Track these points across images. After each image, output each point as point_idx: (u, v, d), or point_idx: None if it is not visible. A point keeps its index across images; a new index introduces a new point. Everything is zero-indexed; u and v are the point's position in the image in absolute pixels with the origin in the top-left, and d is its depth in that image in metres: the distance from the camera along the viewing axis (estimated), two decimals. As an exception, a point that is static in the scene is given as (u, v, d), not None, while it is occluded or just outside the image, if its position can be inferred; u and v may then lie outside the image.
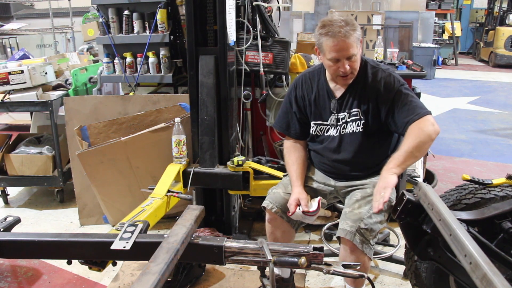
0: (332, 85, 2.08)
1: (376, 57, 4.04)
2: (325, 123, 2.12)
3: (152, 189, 2.33)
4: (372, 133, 2.03)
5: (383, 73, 2.00)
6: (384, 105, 1.98)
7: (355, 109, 2.03)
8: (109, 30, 3.29)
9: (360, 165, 2.08)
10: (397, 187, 2.08)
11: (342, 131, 2.07)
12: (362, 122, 2.02)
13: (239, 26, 2.97)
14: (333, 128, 2.09)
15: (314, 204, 1.99)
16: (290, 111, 2.21)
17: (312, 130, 2.15)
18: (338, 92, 2.07)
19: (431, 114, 1.93)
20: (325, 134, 2.12)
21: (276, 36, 3.13)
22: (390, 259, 2.57)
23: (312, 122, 2.15)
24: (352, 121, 2.04)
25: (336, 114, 2.07)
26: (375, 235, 1.89)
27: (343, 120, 2.06)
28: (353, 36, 1.87)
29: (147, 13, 3.22)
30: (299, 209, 1.97)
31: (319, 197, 2.03)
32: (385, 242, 2.76)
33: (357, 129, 2.04)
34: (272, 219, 2.13)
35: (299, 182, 2.08)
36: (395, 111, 1.96)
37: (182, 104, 3.03)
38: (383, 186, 1.82)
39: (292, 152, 2.20)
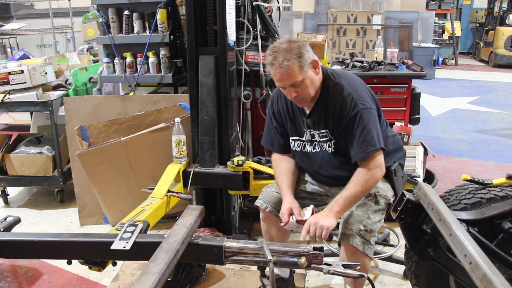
0: None
1: (376, 57, 4.04)
2: (301, 139, 2.09)
3: (152, 189, 2.33)
4: (347, 150, 1.97)
5: (343, 92, 1.91)
6: (337, 128, 1.94)
7: (323, 130, 1.99)
8: (109, 30, 3.29)
9: (345, 179, 2.01)
10: (394, 187, 2.07)
11: (318, 148, 2.04)
12: (332, 142, 1.99)
13: (239, 26, 2.97)
14: (309, 144, 2.07)
15: (307, 213, 1.98)
16: (272, 127, 2.18)
17: (292, 146, 2.13)
18: (307, 109, 2.03)
19: (380, 149, 1.89)
20: (303, 151, 2.09)
21: (276, 36, 3.13)
22: (390, 259, 2.57)
23: (290, 138, 2.13)
24: (324, 141, 2.01)
25: (310, 131, 2.04)
26: (374, 235, 1.89)
27: (315, 139, 2.03)
28: (295, 64, 1.80)
29: (147, 13, 3.22)
30: (293, 218, 1.96)
31: (312, 205, 2.02)
32: (385, 242, 2.76)
33: (329, 150, 2.01)
34: (266, 217, 2.14)
35: (290, 191, 2.04)
36: (347, 139, 1.92)
37: (182, 104, 3.03)
38: (323, 225, 1.81)
39: (279, 163, 2.17)
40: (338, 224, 1.94)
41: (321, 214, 1.86)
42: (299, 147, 2.10)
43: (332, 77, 1.97)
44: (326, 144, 2.00)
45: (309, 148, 2.07)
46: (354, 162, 1.92)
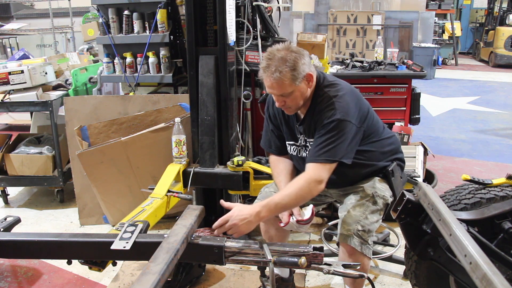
0: None
1: (376, 57, 4.04)
2: (296, 144, 2.09)
3: (152, 189, 2.33)
4: None
5: (328, 101, 1.89)
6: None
7: (312, 139, 1.97)
8: (109, 30, 3.29)
9: (339, 183, 2.03)
10: (392, 188, 2.07)
11: None
12: None
13: (239, 26, 2.97)
14: (304, 149, 2.06)
15: (307, 213, 1.98)
16: (268, 129, 2.19)
17: (288, 150, 2.14)
18: (301, 116, 2.03)
19: (334, 161, 1.84)
20: (299, 155, 2.09)
21: (276, 36, 3.13)
22: (390, 259, 2.57)
23: (287, 142, 2.13)
24: None
25: (303, 137, 2.04)
26: (372, 234, 1.90)
27: (308, 145, 2.03)
28: (286, 77, 1.79)
29: (147, 13, 3.23)
30: (293, 218, 1.96)
31: (311, 205, 2.02)
32: (385, 242, 2.76)
33: None
34: None
35: None
36: (313, 140, 1.91)
37: (182, 104, 3.03)
38: (240, 231, 1.70)
39: (276, 164, 2.17)
40: (336, 224, 1.94)
41: (245, 214, 1.72)
42: (294, 151, 2.11)
43: (323, 86, 1.95)
44: None
45: (304, 154, 2.07)
46: (360, 160, 1.93)
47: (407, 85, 3.59)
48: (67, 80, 3.83)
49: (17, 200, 3.74)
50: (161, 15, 3.15)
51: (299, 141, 2.07)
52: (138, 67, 3.30)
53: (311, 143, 1.99)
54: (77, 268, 2.59)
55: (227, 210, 1.78)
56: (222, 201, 1.83)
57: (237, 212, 1.73)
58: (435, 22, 9.92)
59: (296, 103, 1.90)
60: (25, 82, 3.46)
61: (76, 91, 3.66)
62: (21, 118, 5.53)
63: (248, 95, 3.14)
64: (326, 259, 1.58)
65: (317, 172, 1.83)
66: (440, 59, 10.87)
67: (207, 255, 1.65)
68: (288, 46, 1.85)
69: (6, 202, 3.64)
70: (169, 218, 2.85)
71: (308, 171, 1.85)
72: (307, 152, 2.04)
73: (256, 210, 1.75)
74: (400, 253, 2.46)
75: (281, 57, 1.80)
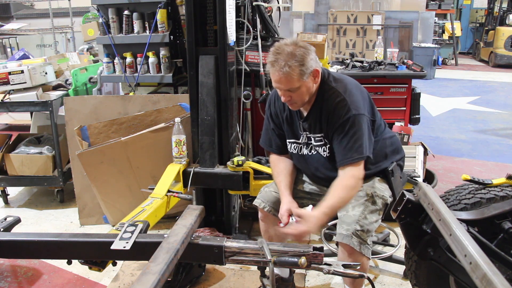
0: None
1: (376, 57, 4.04)
2: (298, 141, 2.09)
3: (152, 189, 2.33)
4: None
5: (339, 97, 1.90)
6: (329, 132, 1.93)
7: (319, 134, 1.98)
8: (109, 30, 3.29)
9: None
10: (392, 188, 2.07)
11: (314, 151, 2.04)
12: (327, 147, 1.98)
13: (239, 26, 2.97)
14: (305, 147, 2.06)
15: None
16: (269, 128, 2.18)
17: (289, 148, 2.13)
18: (304, 112, 2.02)
19: (364, 158, 1.87)
20: (300, 153, 2.09)
21: (276, 36, 3.13)
22: (390, 259, 2.57)
23: (287, 140, 2.13)
24: (318, 145, 2.01)
25: (306, 133, 2.04)
26: (371, 234, 1.90)
27: (311, 142, 2.03)
28: (295, 71, 1.79)
29: (147, 13, 3.23)
30: (292, 219, 1.96)
31: (310, 205, 2.02)
32: (385, 242, 2.76)
33: (324, 154, 2.00)
34: (265, 217, 2.14)
35: (288, 192, 2.03)
36: (335, 143, 1.92)
37: (182, 104, 3.03)
38: (305, 231, 1.77)
39: (277, 164, 2.17)
40: (336, 224, 1.95)
41: (316, 217, 1.79)
42: (295, 149, 2.10)
43: (329, 81, 1.96)
44: (321, 148, 2.00)
45: (305, 151, 2.07)
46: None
47: (407, 85, 3.59)
48: (67, 80, 3.83)
49: (17, 200, 3.74)
50: (161, 15, 3.15)
51: (301, 138, 2.07)
52: (138, 67, 3.30)
53: (316, 139, 1.99)
54: (77, 268, 2.59)
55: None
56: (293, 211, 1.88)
57: (310, 215, 1.80)
58: (435, 22, 9.92)
59: (302, 99, 1.90)
60: (25, 82, 3.47)
61: (76, 91, 3.67)
62: (21, 118, 5.53)
63: (248, 95, 3.14)
64: (326, 259, 1.58)
65: (355, 172, 1.86)
66: (440, 59, 10.87)
67: (207, 255, 1.65)
68: (296, 41, 1.85)
69: (6, 202, 3.64)
70: (169, 218, 2.85)
71: (347, 171, 1.86)
72: (309, 150, 2.04)
73: (322, 215, 1.79)
74: (400, 253, 2.46)
75: (289, 51, 1.80)
